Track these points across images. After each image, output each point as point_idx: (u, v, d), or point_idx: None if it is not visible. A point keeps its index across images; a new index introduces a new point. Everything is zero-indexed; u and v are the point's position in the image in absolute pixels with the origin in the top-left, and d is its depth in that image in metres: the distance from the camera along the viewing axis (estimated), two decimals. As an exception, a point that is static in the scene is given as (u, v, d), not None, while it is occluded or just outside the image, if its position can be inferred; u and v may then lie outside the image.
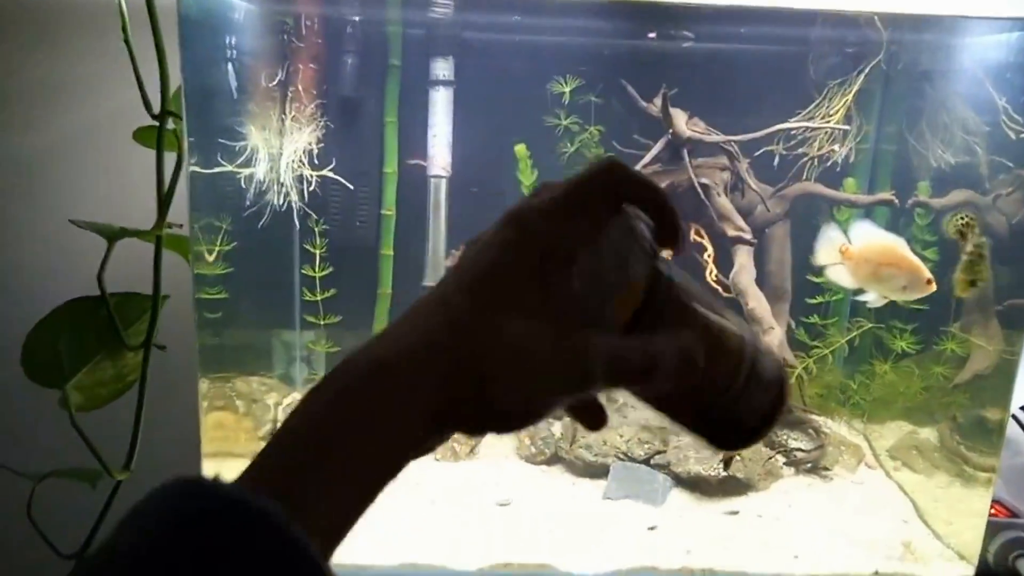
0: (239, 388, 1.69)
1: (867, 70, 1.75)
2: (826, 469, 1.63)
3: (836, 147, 1.75)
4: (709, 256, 1.64)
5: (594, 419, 0.45)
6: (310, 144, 1.54)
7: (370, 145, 1.67)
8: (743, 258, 1.64)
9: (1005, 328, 1.66)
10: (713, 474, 1.51)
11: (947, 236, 1.37)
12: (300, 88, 1.53)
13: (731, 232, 1.66)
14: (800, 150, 1.78)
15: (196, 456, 1.27)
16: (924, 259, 1.75)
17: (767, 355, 0.43)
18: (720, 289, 1.61)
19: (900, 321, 1.71)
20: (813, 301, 1.78)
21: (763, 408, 0.42)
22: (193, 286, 1.28)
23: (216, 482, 0.32)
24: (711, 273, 1.62)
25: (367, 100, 1.64)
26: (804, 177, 1.77)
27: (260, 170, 1.49)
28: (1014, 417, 1.43)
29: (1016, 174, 1.69)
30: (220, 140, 1.46)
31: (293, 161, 1.52)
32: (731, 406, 0.42)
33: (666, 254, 0.42)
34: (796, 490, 1.57)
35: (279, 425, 0.39)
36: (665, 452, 1.60)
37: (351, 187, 1.58)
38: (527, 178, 1.63)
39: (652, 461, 1.60)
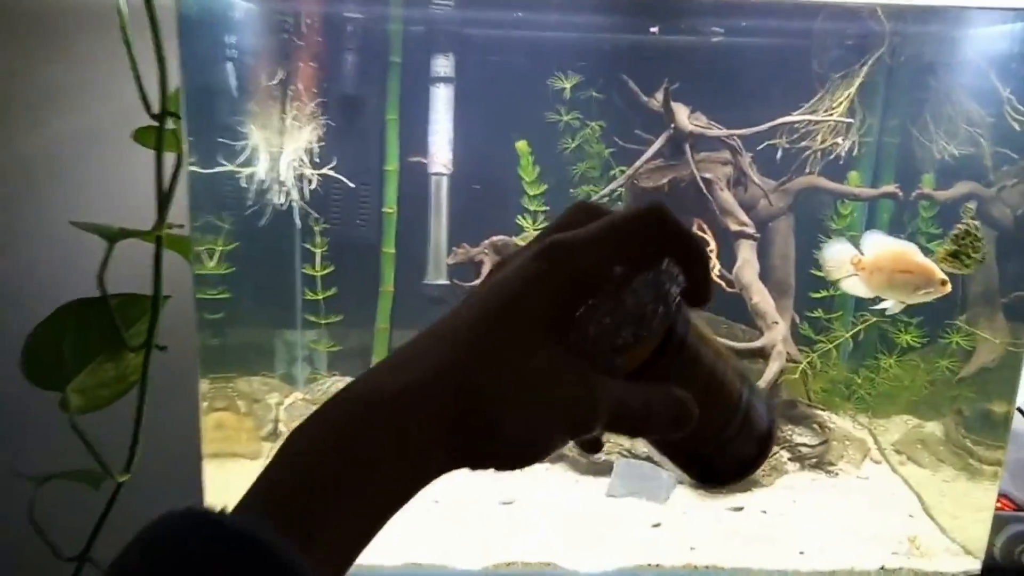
0: (241, 388, 1.69)
1: (870, 62, 1.74)
2: (831, 464, 1.63)
3: (839, 140, 1.74)
4: (712, 251, 1.63)
5: (592, 446, 0.46)
6: (311, 143, 1.54)
7: (371, 143, 1.67)
8: (746, 253, 1.63)
9: (1011, 321, 1.65)
10: (717, 470, 1.50)
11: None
12: (301, 86, 1.53)
13: (734, 227, 1.65)
14: (803, 144, 1.78)
15: (196, 457, 1.27)
16: (928, 252, 1.75)
17: (761, 405, 0.45)
18: (723, 284, 1.61)
19: (905, 315, 1.70)
20: (817, 295, 1.77)
21: (747, 457, 0.45)
22: (193, 286, 1.28)
23: (222, 515, 0.32)
24: (714, 268, 1.61)
25: (368, 98, 1.63)
26: (807, 171, 1.77)
27: (261, 169, 1.49)
28: (1020, 410, 1.42)
29: (1021, 166, 1.68)
30: (221, 139, 1.46)
31: (294, 160, 1.52)
32: (718, 451, 0.44)
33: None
34: (800, 486, 1.57)
35: (281, 444, 0.39)
36: (669, 448, 1.60)
37: (352, 185, 1.58)
38: (528, 175, 1.62)
39: (655, 459, 1.59)
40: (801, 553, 1.35)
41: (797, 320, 1.76)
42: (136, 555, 0.31)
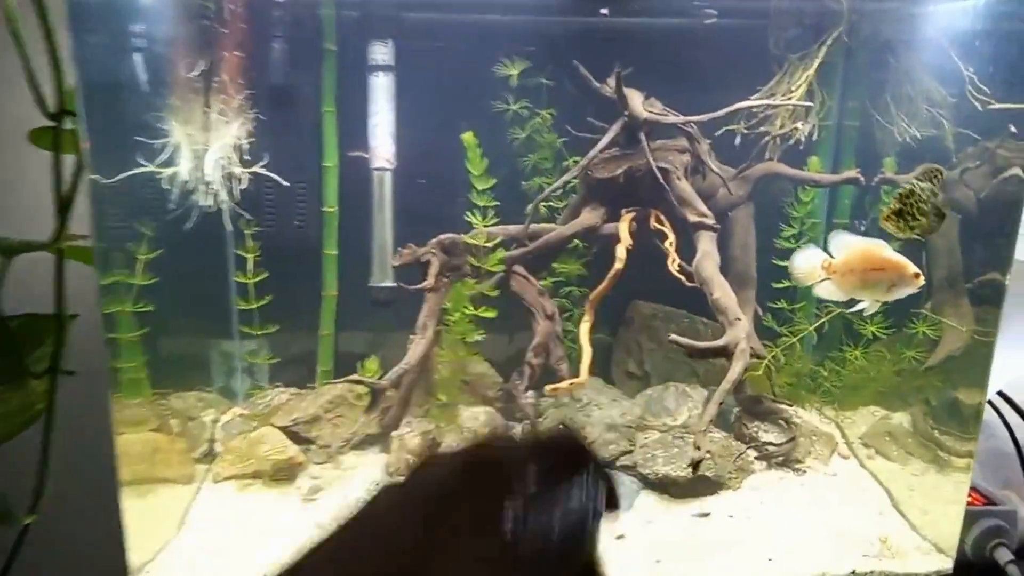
0: (175, 405, 1.58)
1: (828, 42, 1.68)
2: (798, 462, 1.57)
3: (799, 125, 1.68)
4: (670, 244, 1.56)
5: None
6: (239, 139, 1.43)
7: (307, 138, 1.56)
8: (706, 244, 1.56)
9: (976, 306, 1.61)
10: (682, 475, 1.43)
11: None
12: (226, 78, 1.41)
13: (692, 218, 1.58)
14: (762, 129, 1.71)
15: (112, 487, 1.16)
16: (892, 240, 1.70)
17: None
18: (683, 278, 1.53)
19: (869, 304, 1.65)
20: (779, 286, 1.71)
21: None
22: (100, 300, 1.17)
23: None
24: (673, 262, 1.54)
25: (301, 89, 1.52)
26: (767, 157, 1.70)
27: (184, 169, 1.37)
28: (990, 403, 1.37)
29: (982, 146, 1.64)
30: (139, 138, 1.35)
31: (221, 158, 1.40)
32: None
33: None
34: (768, 486, 1.51)
35: None
36: (632, 452, 1.53)
37: (286, 184, 1.47)
38: (476, 168, 1.53)
39: (618, 463, 1.52)
40: (769, 560, 1.29)
41: (760, 312, 1.70)
42: None
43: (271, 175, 1.45)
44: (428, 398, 1.67)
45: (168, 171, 1.37)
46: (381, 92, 1.52)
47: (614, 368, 1.84)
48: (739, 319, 1.45)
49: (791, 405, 1.65)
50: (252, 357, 1.61)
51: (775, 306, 1.73)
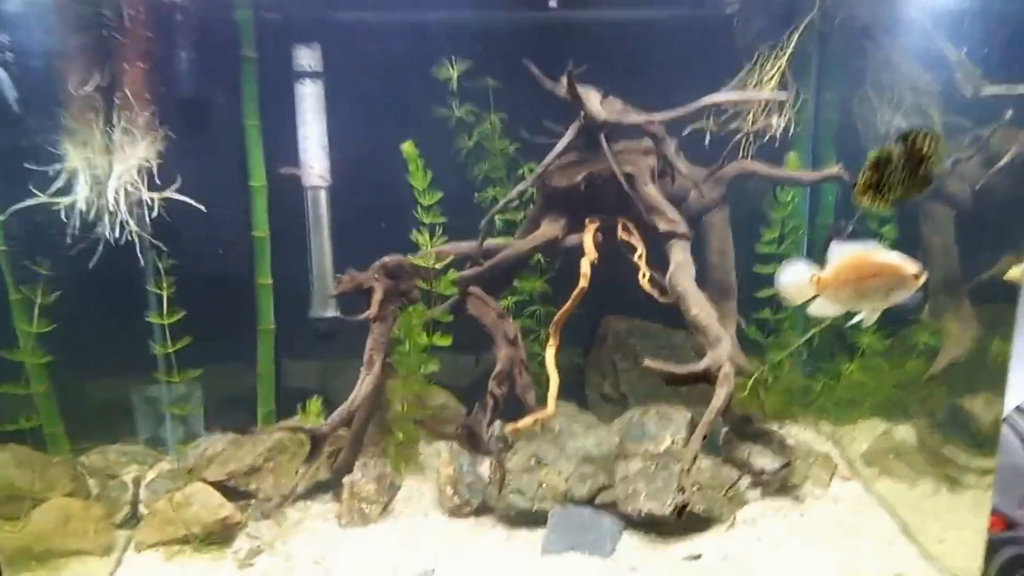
0: (93, 463, 1.40)
1: (800, 28, 1.55)
2: (796, 488, 1.42)
3: (774, 119, 1.55)
4: (640, 257, 1.41)
5: None
6: (147, 160, 1.26)
7: (228, 156, 1.40)
8: (679, 254, 1.41)
9: (978, 306, 1.48)
10: (668, 512, 1.27)
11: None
12: (129, 93, 1.25)
13: (663, 226, 1.43)
14: (733, 125, 1.57)
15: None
16: (882, 237, 1.56)
17: None
18: (656, 293, 1.38)
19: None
20: (763, 294, 1.57)
21: None
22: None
23: None
24: (644, 276, 1.38)
25: (218, 101, 1.36)
26: (740, 156, 1.56)
27: (81, 197, 1.20)
28: (1006, 420, 1.23)
29: (975, 135, 1.51)
30: (28, 166, 1.18)
31: (126, 182, 1.24)
32: None
33: None
34: (764, 519, 1.35)
35: None
36: (612, 487, 1.37)
37: (203, 209, 1.29)
38: (419, 181, 1.37)
39: (597, 500, 1.36)
40: (771, 610, 1.13)
41: (743, 324, 1.55)
42: None
43: (185, 199, 1.28)
44: (384, 436, 1.51)
45: (65, 200, 1.20)
46: (309, 101, 1.37)
47: (588, 391, 1.69)
48: (720, 339, 1.29)
49: (783, 422, 1.50)
50: (182, 404, 1.44)
51: (760, 316, 1.59)
